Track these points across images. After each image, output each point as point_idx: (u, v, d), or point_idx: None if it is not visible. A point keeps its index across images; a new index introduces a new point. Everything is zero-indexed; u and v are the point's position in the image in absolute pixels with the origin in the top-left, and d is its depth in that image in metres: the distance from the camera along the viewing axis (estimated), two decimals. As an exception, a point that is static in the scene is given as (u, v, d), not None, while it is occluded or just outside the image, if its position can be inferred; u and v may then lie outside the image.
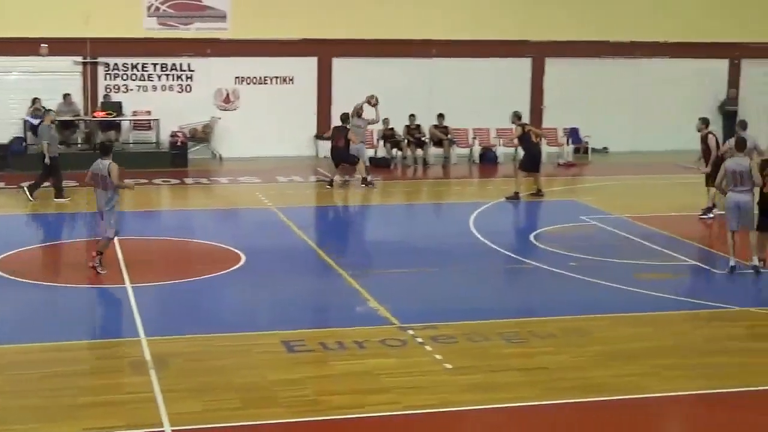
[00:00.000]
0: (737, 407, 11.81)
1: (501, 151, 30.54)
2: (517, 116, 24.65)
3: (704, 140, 21.87)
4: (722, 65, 33.57)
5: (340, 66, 30.37)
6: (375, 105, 25.94)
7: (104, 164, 16.89)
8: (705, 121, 22.10)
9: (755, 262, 17.25)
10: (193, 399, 11.42)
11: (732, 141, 20.87)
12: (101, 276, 16.53)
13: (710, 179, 21.54)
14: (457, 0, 30.88)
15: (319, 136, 30.27)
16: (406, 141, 29.75)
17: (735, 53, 33.40)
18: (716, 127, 32.30)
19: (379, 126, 29.22)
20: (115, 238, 17.24)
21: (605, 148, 32.57)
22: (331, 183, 25.45)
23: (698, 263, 18.32)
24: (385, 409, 11.28)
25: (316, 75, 30.61)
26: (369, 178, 25.41)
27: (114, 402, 11.35)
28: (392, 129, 29.65)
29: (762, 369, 12.92)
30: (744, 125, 21.58)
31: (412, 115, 29.81)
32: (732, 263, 17.31)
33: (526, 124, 25.24)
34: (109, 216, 16.89)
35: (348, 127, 25.47)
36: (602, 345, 13.67)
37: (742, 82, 33.62)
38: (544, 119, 31.79)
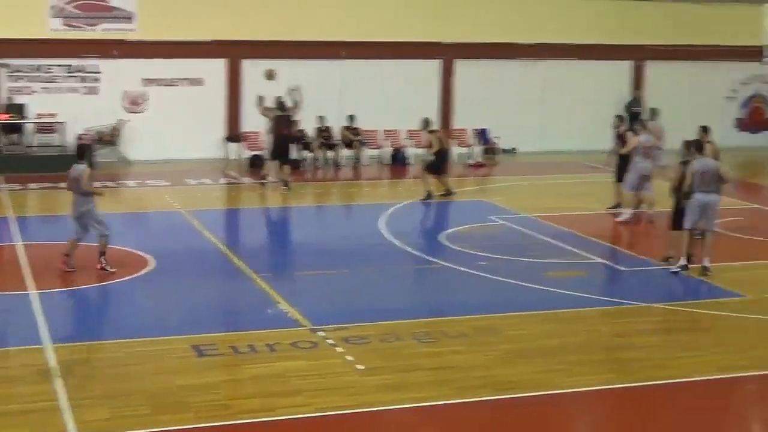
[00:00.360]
0: (644, 400, 11.99)
1: (411, 152, 30.61)
2: (426, 123, 24.69)
3: (621, 137, 22.19)
4: (626, 67, 34.05)
5: (249, 68, 30.16)
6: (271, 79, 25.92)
7: (79, 168, 16.67)
8: (621, 119, 22.43)
9: (705, 263, 17.34)
10: (100, 406, 11.25)
11: (644, 138, 21.29)
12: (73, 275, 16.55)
13: (621, 176, 22.03)
14: (367, 1, 30.90)
15: (231, 138, 30.08)
16: (316, 143, 29.68)
17: (639, 55, 33.91)
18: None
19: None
20: (19, 244, 16.94)
21: (514, 149, 32.84)
22: (263, 181, 25.20)
23: (605, 261, 18.57)
24: (297, 412, 11.24)
25: (226, 77, 30.36)
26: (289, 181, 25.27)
27: (17, 412, 11.11)
28: (302, 130, 29.57)
29: (666, 362, 13.12)
30: (655, 113, 22.08)
31: (321, 117, 29.76)
32: (683, 262, 17.37)
33: (436, 130, 25.35)
34: (89, 220, 16.83)
35: (290, 115, 25.36)
36: (512, 343, 13.79)
37: (646, 84, 34.16)
38: (454, 120, 31.95)
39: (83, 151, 17.37)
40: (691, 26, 33.83)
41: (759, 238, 20.37)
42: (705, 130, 19.87)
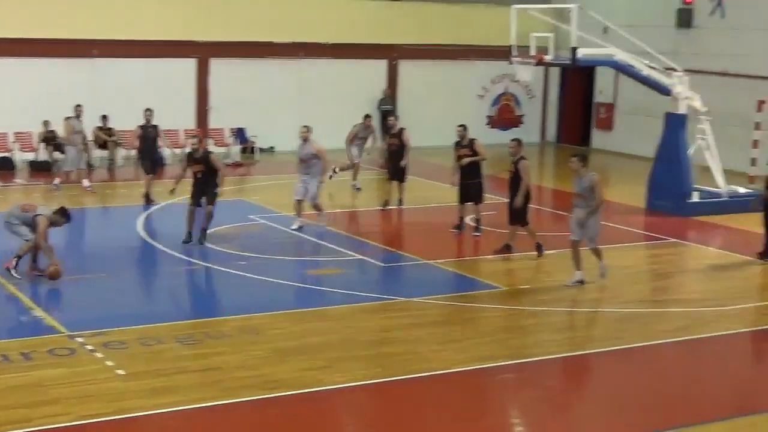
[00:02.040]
0: (409, 393, 12.20)
1: (167, 152, 30.10)
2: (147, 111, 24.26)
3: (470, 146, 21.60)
4: (382, 66, 34.60)
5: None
6: None
7: None
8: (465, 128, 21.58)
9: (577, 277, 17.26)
10: None
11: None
12: None
13: (396, 175, 22.45)
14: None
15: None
16: (93, 143, 28.79)
17: (392, 54, 34.51)
18: (376, 123, 33.45)
19: (39, 129, 28.35)
20: None
21: (272, 148, 32.81)
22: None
23: (365, 257, 18.75)
24: (57, 421, 10.87)
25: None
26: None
27: None
28: (53, 131, 28.63)
29: (429, 355, 13.39)
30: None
31: (72, 118, 28.83)
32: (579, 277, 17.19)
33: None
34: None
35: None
36: (277, 342, 13.77)
37: (400, 82, 34.80)
38: (211, 120, 31.67)
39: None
40: (443, 26, 34.68)
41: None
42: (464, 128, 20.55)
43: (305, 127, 21.04)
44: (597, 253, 17.21)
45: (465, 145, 20.61)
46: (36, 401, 11.41)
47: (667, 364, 13.77)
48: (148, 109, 24.14)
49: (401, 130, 23.06)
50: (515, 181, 18.73)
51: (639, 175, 26.04)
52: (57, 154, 28.40)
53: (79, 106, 25.37)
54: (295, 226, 20.49)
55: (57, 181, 25.36)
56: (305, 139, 20.79)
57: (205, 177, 19.18)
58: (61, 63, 29.48)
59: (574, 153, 17.86)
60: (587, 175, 16.92)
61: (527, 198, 18.84)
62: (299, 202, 20.70)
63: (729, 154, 26.06)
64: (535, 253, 18.91)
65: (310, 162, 20.62)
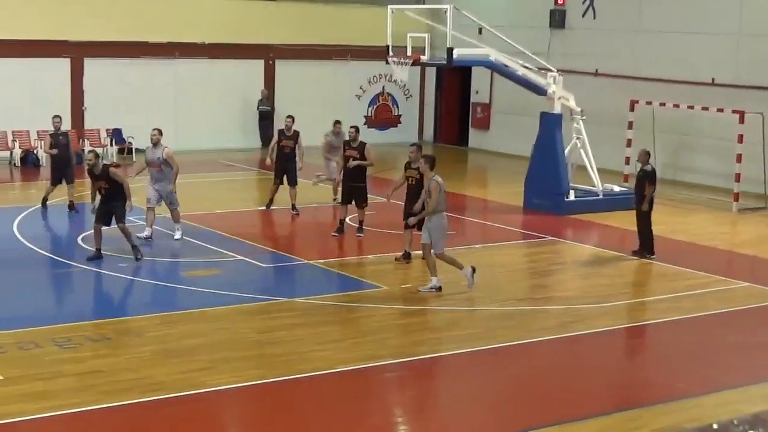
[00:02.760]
0: (291, 394, 12.23)
1: (42, 153, 29.61)
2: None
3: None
4: (259, 66, 34.51)
5: None
6: None
7: None
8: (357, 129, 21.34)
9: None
10: None
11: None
12: None
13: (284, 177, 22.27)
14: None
15: None
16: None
17: (269, 54, 34.45)
18: (253, 125, 33.37)
19: None
20: None
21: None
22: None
23: (246, 258, 18.69)
24: (-68, 428, 10.65)
25: None
26: None
27: None
28: None
29: (311, 355, 13.42)
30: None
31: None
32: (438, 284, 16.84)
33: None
34: None
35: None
36: (157, 344, 13.66)
37: (277, 83, 34.75)
38: (86, 120, 31.21)
39: None
40: (320, 26, 34.78)
41: (392, 231, 21.18)
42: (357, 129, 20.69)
43: (156, 129, 20.12)
44: (442, 259, 16.83)
45: (355, 146, 20.63)
46: None
47: (546, 361, 14.03)
48: (56, 116, 23.06)
49: (297, 132, 22.65)
50: (417, 189, 17.81)
51: (516, 174, 26.47)
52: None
53: None
54: (144, 234, 19.51)
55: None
56: (156, 143, 19.88)
57: (111, 193, 18.00)
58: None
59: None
60: (432, 177, 16.64)
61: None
62: (151, 209, 19.82)
63: (603, 153, 26.67)
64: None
65: (160, 167, 19.72)
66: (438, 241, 16.67)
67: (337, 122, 23.92)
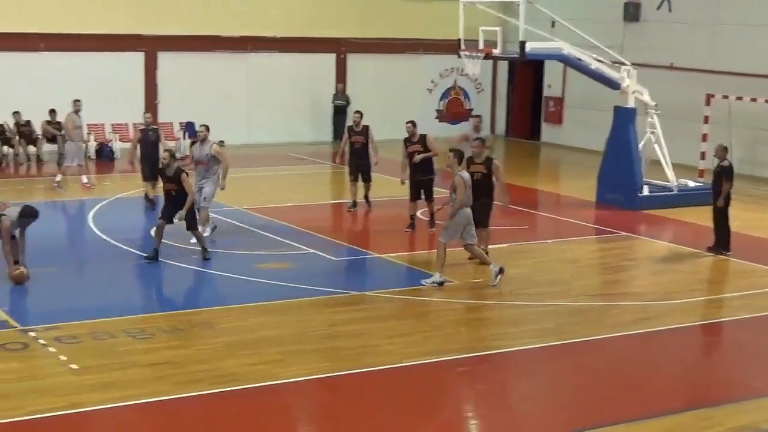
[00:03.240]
0: (359, 387, 12.25)
1: (117, 146, 29.97)
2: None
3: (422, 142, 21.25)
4: (331, 59, 34.58)
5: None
6: None
7: None
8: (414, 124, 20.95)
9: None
10: None
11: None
12: None
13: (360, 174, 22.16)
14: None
15: None
16: (16, 137, 28.55)
17: (341, 48, 34.51)
18: (324, 119, 33.44)
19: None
20: None
21: (222, 141, 32.55)
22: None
23: (316, 251, 18.73)
24: (8, 416, 10.80)
25: None
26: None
27: None
28: (2, 125, 28.39)
29: (379, 349, 13.46)
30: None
31: (16, 112, 28.57)
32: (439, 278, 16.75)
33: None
34: None
35: None
36: (229, 336, 13.76)
37: (348, 76, 34.80)
38: (159, 114, 31.48)
39: None
40: (392, 20, 34.73)
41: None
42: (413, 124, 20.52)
43: (203, 126, 19.72)
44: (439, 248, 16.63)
45: (415, 141, 20.53)
46: (-13, 396, 11.35)
47: (618, 358, 13.89)
48: (147, 113, 23.21)
49: (366, 127, 22.34)
50: (482, 184, 17.62)
51: (589, 169, 26.24)
52: (6, 149, 28.17)
53: (77, 100, 24.97)
54: (207, 233, 19.13)
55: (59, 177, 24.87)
56: (203, 140, 19.51)
57: (177, 199, 17.71)
58: (9, 57, 29.21)
59: (451, 148, 17.42)
60: (457, 173, 16.52)
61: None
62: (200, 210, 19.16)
63: (678, 148, 26.35)
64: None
65: (208, 165, 19.35)
66: (448, 232, 16.61)
67: (357, 113, 22.80)
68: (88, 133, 30.02)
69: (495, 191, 18.11)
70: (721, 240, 19.50)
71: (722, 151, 19.42)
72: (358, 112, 22.73)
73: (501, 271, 16.66)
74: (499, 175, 18.09)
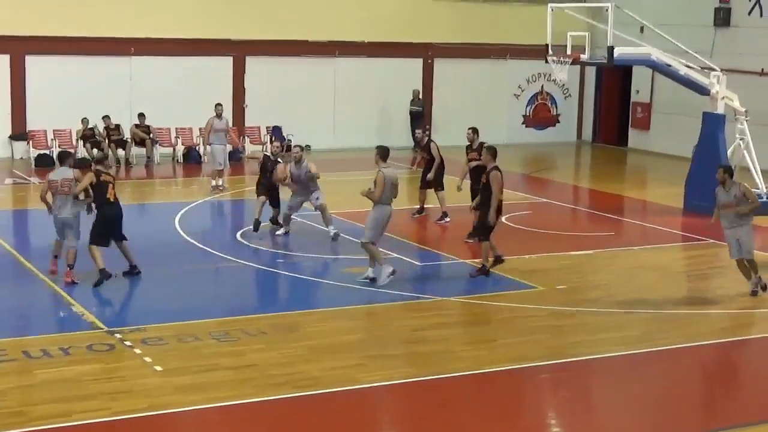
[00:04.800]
0: (443, 392, 12.21)
1: (203, 150, 30.28)
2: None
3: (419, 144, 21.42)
4: (418, 64, 34.61)
5: (33, 64, 29.25)
6: None
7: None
8: (476, 131, 20.90)
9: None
10: None
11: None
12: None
13: (436, 185, 21.99)
14: (156, -2, 30.51)
15: (16, 136, 29.13)
16: (106, 141, 29.01)
17: (428, 53, 34.52)
18: (405, 126, 33.39)
19: (78, 126, 28.61)
20: None
21: (308, 146, 32.83)
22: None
23: (401, 257, 18.72)
24: (94, 416, 10.96)
25: (9, 74, 29.31)
26: None
27: None
28: (93, 129, 28.89)
29: (463, 354, 13.42)
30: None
31: (106, 116, 29.02)
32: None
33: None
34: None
35: None
36: (312, 339, 13.81)
37: (435, 82, 34.78)
38: (247, 118, 31.80)
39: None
40: (479, 25, 34.68)
41: (548, 231, 21.00)
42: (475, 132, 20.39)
43: (298, 146, 20.31)
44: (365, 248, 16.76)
45: (475, 149, 20.21)
46: (74, 396, 11.51)
47: (704, 367, 13.70)
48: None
49: (429, 142, 22.20)
50: (484, 190, 17.43)
51: (677, 176, 25.90)
52: (95, 152, 28.62)
53: (218, 104, 25.41)
54: (280, 232, 20.11)
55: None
56: (298, 160, 19.97)
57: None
58: (100, 61, 29.72)
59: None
60: (379, 169, 16.67)
61: (498, 211, 17.49)
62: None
63: (768, 154, 25.90)
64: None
65: (306, 183, 19.93)
66: (371, 231, 16.59)
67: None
68: (176, 137, 30.45)
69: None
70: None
71: None
72: (421, 116, 22.55)
73: (393, 272, 16.47)
74: (495, 186, 17.18)
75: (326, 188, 22.39)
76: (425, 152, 22.36)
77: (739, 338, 14.55)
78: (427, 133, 21.04)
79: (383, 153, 16.96)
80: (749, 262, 16.56)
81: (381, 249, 18.82)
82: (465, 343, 13.94)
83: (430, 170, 22.03)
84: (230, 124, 25.45)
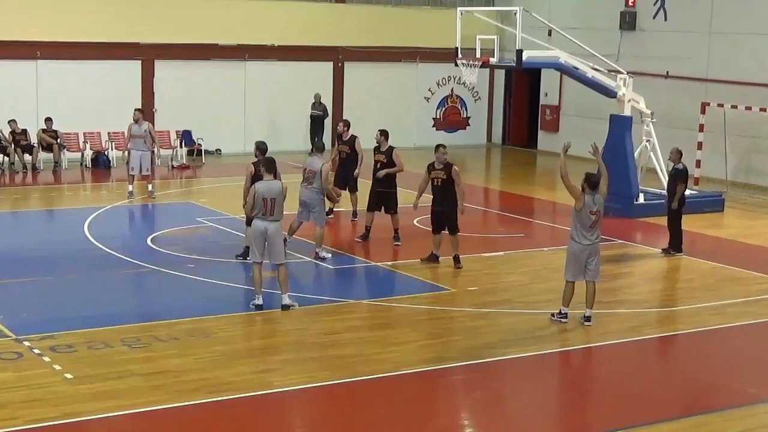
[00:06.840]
0: (358, 395, 12.25)
1: (114, 154, 29.91)
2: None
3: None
4: (327, 67, 34.58)
5: None
6: None
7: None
8: (385, 134, 20.64)
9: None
10: None
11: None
12: None
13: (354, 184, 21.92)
14: (62, 1, 30.02)
15: None
16: (12, 146, 28.53)
17: (338, 56, 34.53)
18: (305, 129, 33.19)
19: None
20: None
21: (218, 150, 32.74)
22: None
23: (313, 260, 18.68)
24: (4, 426, 10.76)
25: None
26: None
27: None
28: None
29: (377, 357, 13.45)
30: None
31: (12, 121, 28.56)
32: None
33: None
34: None
35: None
36: (225, 345, 13.73)
37: (345, 85, 34.79)
38: (157, 122, 31.47)
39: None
40: (389, 28, 34.80)
41: (459, 234, 21.10)
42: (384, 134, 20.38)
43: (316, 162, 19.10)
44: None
45: (383, 151, 20.17)
46: (-18, 406, 11.31)
47: (613, 365, 13.88)
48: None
49: (353, 137, 21.99)
50: (445, 187, 18.10)
51: (584, 177, 26.18)
52: (1, 158, 28.18)
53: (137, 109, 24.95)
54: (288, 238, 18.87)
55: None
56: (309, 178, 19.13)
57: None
58: (5, 65, 29.25)
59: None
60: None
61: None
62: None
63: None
64: (453, 263, 18.40)
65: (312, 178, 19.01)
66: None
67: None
68: (84, 142, 30.06)
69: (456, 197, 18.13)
70: (675, 242, 20.04)
71: (677, 155, 19.99)
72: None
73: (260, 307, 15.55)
74: (459, 181, 18.11)
75: (236, 191, 22.32)
76: (347, 147, 21.96)
77: (646, 337, 14.77)
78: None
79: (267, 165, 15.83)
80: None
81: (293, 252, 18.77)
82: (379, 345, 13.96)
83: (348, 167, 21.83)
84: (152, 128, 25.00)
